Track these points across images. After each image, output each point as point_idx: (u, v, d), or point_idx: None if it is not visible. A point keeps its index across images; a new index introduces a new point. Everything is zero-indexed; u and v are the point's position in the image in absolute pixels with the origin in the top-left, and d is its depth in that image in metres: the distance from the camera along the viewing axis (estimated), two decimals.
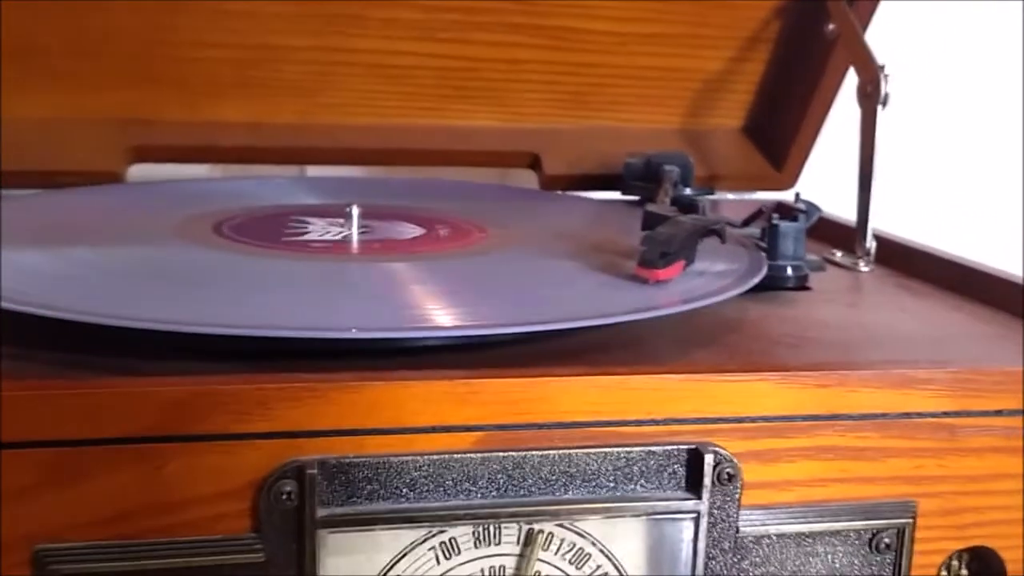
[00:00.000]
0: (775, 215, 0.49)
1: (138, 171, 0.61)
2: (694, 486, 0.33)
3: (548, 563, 0.33)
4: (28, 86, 0.59)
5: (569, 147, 0.66)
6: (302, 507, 0.31)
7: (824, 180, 0.67)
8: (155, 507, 0.30)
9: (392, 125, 0.64)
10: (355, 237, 0.47)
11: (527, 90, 0.65)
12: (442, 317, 0.36)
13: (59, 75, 0.59)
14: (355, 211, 0.48)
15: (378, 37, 0.61)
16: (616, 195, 0.63)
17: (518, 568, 0.33)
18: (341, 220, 0.49)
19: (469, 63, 0.63)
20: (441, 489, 0.32)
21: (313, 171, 0.68)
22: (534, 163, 0.65)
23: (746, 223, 0.56)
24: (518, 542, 0.33)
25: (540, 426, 0.32)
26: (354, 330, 0.33)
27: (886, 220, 0.57)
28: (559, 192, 0.65)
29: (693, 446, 0.33)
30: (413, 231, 0.49)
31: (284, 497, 0.30)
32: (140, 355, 0.34)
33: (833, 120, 0.66)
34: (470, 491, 0.32)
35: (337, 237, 0.47)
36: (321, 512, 0.31)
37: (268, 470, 0.31)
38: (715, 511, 0.33)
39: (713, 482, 0.33)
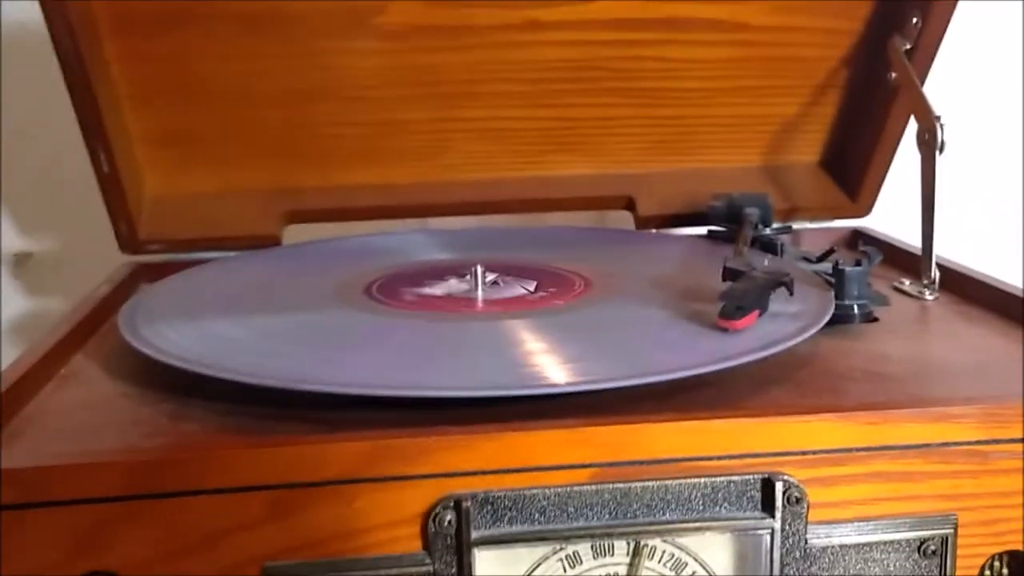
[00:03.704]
0: (840, 260, 0.56)
1: (291, 229, 0.71)
2: (768, 507, 0.41)
3: (653, 570, 0.42)
4: (193, 167, 0.70)
5: (661, 189, 0.73)
6: (460, 531, 0.40)
7: (901, 205, 0.73)
8: (348, 533, 0.40)
9: (502, 179, 0.73)
10: (480, 295, 0.56)
11: (620, 141, 0.73)
12: (556, 373, 0.45)
13: (218, 156, 0.70)
14: (479, 269, 0.58)
15: (488, 107, 0.70)
16: (705, 230, 0.71)
17: (629, 574, 0.42)
18: (467, 276, 0.58)
19: (569, 122, 0.72)
20: (565, 514, 0.41)
21: (434, 222, 0.78)
22: (629, 205, 0.73)
23: (820, 259, 0.63)
24: (628, 554, 0.42)
25: (641, 463, 0.41)
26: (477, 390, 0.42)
27: (952, 246, 0.63)
28: (652, 232, 0.73)
29: (766, 475, 0.41)
30: (528, 285, 0.58)
31: (446, 523, 0.40)
32: (321, 407, 0.43)
33: (909, 149, 0.72)
34: (588, 515, 0.41)
35: (466, 296, 0.56)
36: (474, 534, 0.40)
37: (432, 502, 0.40)
38: (786, 527, 0.41)
39: (784, 504, 0.41)
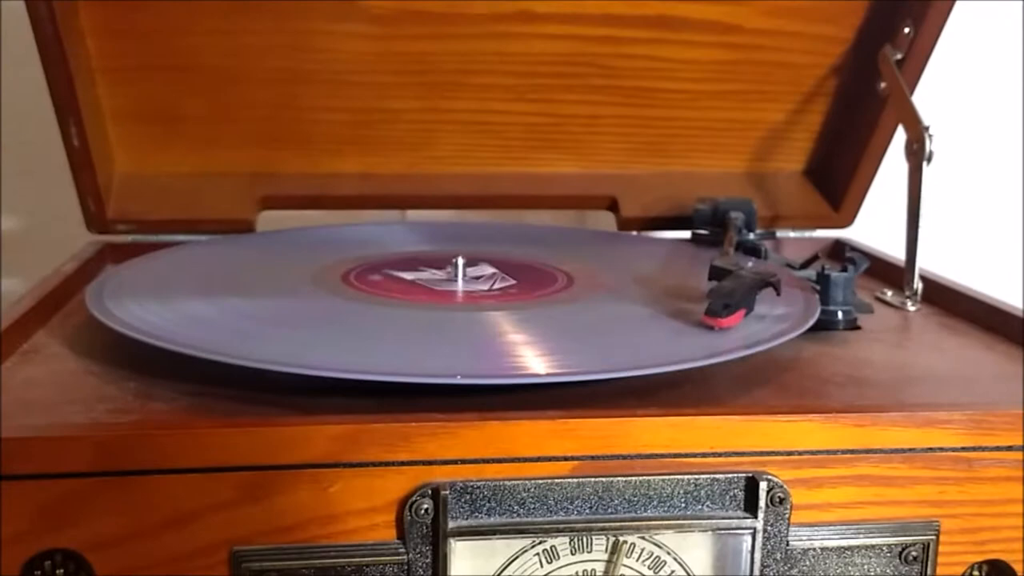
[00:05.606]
0: (826, 265, 0.55)
1: (265, 216, 0.70)
2: (751, 507, 0.41)
3: (631, 568, 0.41)
4: (172, 146, 0.68)
5: (644, 191, 0.73)
6: (436, 520, 0.39)
7: (881, 217, 0.73)
8: (323, 518, 0.39)
9: (486, 173, 0.72)
10: (461, 286, 0.55)
11: (606, 141, 0.73)
12: (537, 364, 0.44)
13: (194, 136, 0.68)
14: (460, 261, 0.57)
15: (475, 99, 0.69)
16: (687, 235, 0.70)
17: (606, 572, 0.41)
18: (448, 269, 0.57)
19: (555, 119, 0.71)
20: (544, 507, 0.40)
21: (413, 214, 0.77)
22: (612, 206, 0.72)
23: (804, 266, 0.62)
24: (606, 550, 0.41)
25: (624, 457, 0.40)
26: (459, 376, 0.41)
27: (934, 258, 0.63)
28: (635, 234, 0.72)
29: (750, 474, 0.40)
30: (510, 279, 0.57)
31: (423, 512, 0.39)
32: (293, 392, 0.42)
33: (892, 162, 0.72)
34: (567, 508, 0.40)
35: (446, 287, 0.55)
36: (451, 524, 0.39)
37: (409, 490, 0.39)
38: (768, 528, 0.41)
39: (767, 504, 0.40)
